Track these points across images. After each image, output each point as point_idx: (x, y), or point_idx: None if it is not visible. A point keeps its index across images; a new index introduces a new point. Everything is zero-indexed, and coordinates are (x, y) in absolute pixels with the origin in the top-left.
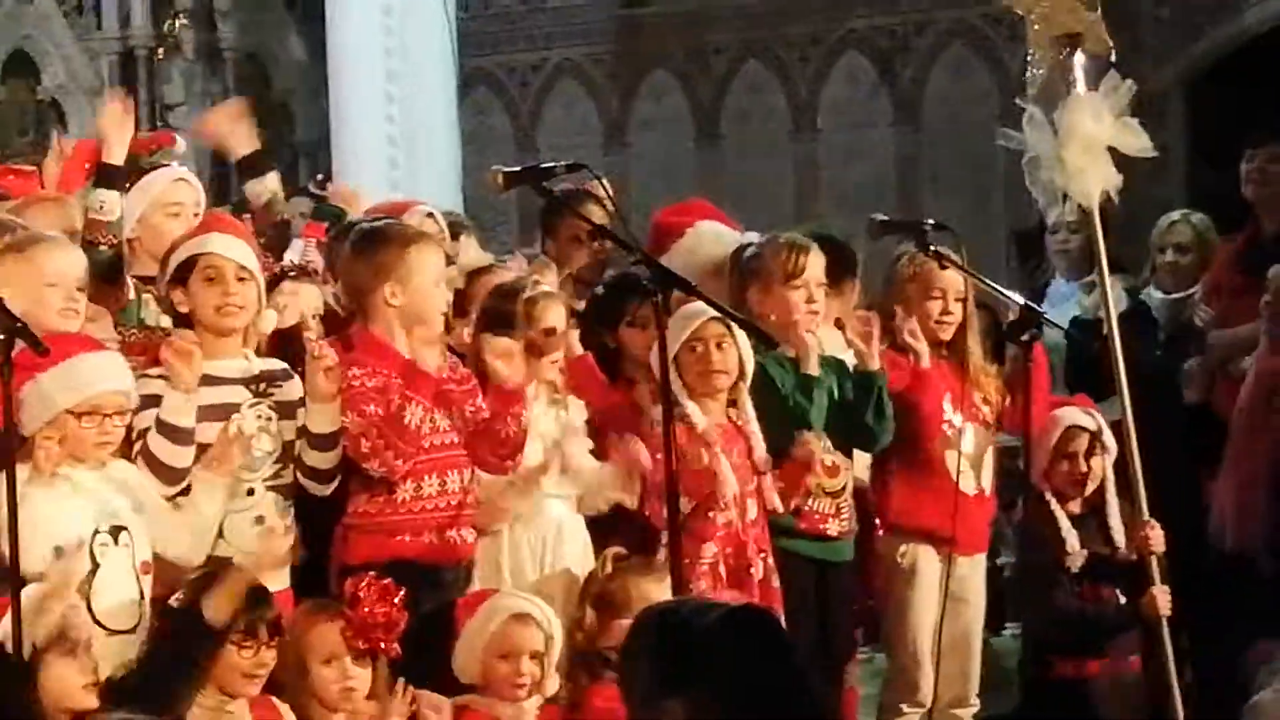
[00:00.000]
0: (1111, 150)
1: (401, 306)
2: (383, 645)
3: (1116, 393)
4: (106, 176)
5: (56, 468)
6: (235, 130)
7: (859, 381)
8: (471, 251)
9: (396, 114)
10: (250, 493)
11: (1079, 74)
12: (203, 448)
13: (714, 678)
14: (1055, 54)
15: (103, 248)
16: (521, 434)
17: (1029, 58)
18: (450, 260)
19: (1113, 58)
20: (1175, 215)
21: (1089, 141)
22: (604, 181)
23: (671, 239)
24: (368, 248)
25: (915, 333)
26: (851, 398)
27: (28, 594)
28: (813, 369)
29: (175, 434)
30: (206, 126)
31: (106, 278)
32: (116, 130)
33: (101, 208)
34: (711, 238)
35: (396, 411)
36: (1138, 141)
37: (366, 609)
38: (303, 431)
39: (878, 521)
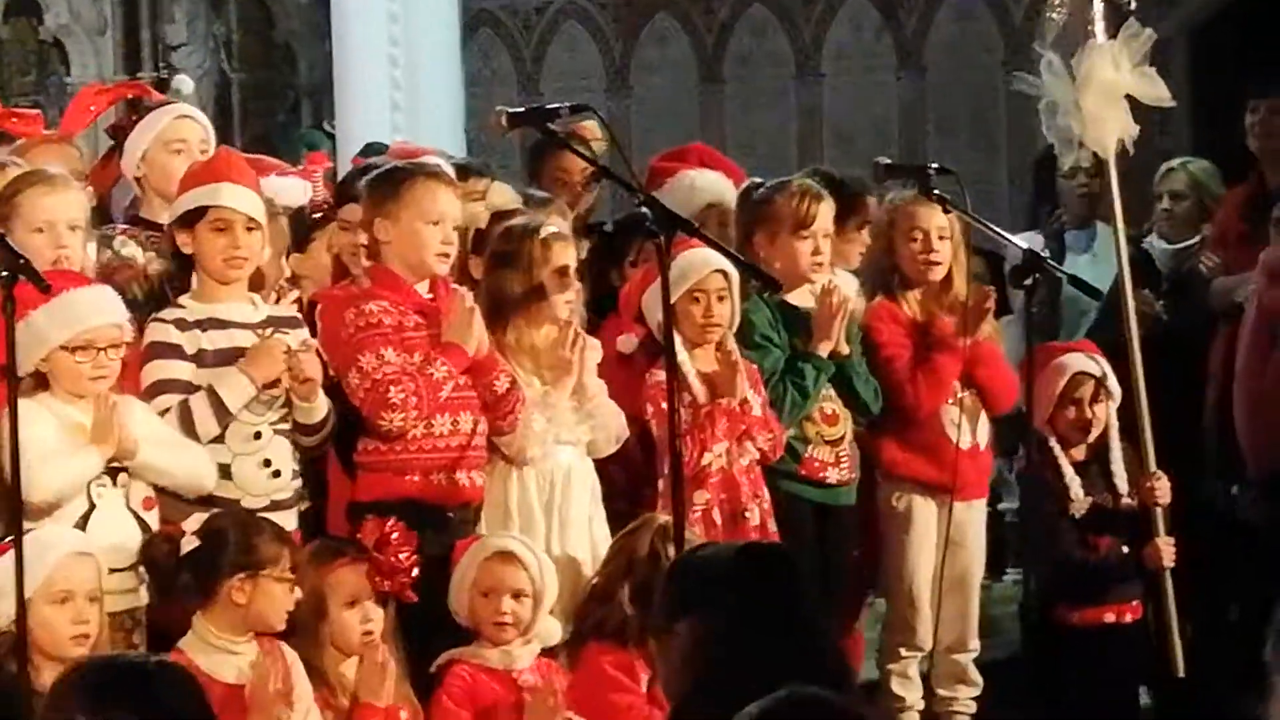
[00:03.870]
0: (1128, 98)
1: (391, 242)
2: (402, 589)
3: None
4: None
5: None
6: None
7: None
8: (505, 194)
9: (399, 56)
10: (257, 436)
11: (1098, 20)
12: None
13: (719, 601)
14: None
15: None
16: (510, 391)
17: (1047, 2)
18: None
19: (1132, 4)
20: (1174, 163)
21: (1107, 89)
22: (606, 123)
23: (655, 185)
24: (368, 185)
25: None
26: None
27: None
28: (821, 351)
29: (222, 414)
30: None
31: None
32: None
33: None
34: (686, 190)
35: (422, 364)
36: (1155, 90)
37: (393, 553)
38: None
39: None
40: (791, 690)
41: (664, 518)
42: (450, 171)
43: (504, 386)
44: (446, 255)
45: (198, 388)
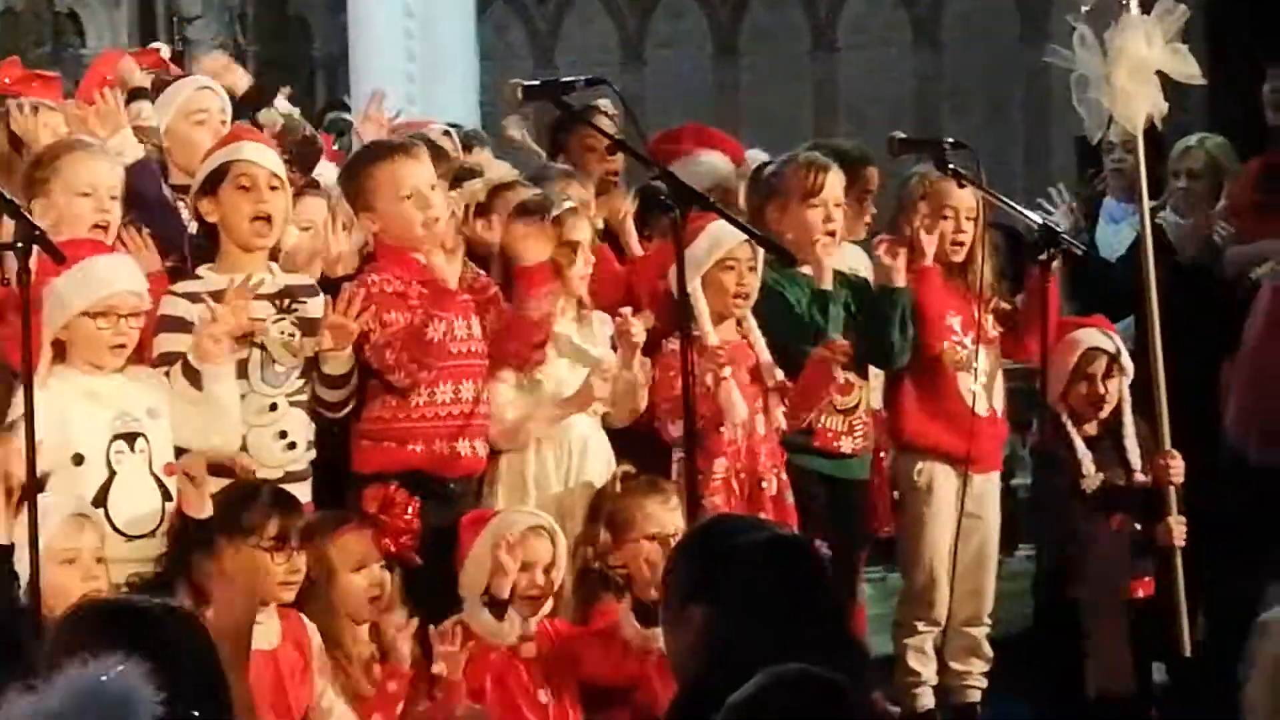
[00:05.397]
0: (1159, 74)
1: (379, 230)
2: (407, 549)
3: (1133, 316)
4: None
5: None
6: (229, 74)
7: (883, 298)
8: (500, 168)
9: (415, 29)
10: (273, 408)
11: None
12: None
13: (738, 592)
14: None
15: (150, 148)
16: (548, 317)
17: None
18: (472, 173)
19: None
20: (1192, 140)
21: (1138, 65)
22: (622, 97)
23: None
24: (342, 178)
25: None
26: (870, 314)
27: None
28: (826, 284)
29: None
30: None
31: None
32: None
33: (140, 115)
34: (695, 171)
35: (420, 325)
36: (1187, 67)
37: (397, 514)
38: (315, 367)
39: (881, 445)
40: (778, 670)
41: (626, 467)
42: (447, 143)
43: (540, 311)
44: (434, 220)
45: None
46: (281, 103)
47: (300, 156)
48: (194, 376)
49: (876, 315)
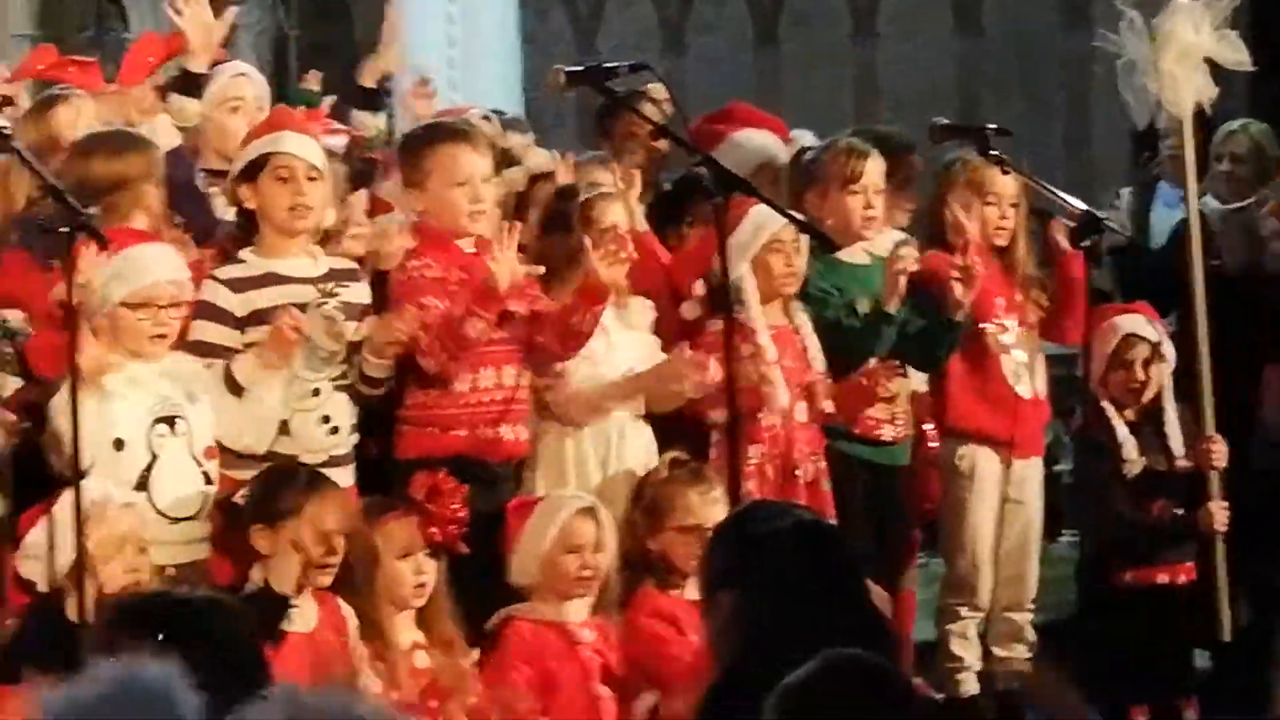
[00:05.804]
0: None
1: (425, 211)
2: (454, 539)
3: (1178, 304)
4: (188, 83)
5: (112, 362)
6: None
7: (938, 326)
8: (541, 157)
9: (456, 13)
10: (316, 393)
11: None
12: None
13: (766, 576)
14: None
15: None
16: (590, 333)
17: None
18: (511, 159)
19: None
20: (1235, 125)
21: (1186, 50)
22: (666, 82)
23: (707, 147)
24: (400, 149)
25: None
26: (923, 335)
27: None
28: (893, 308)
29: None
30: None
31: None
32: (201, 34)
33: (183, 112)
34: (744, 148)
35: (460, 317)
36: (1235, 54)
37: (445, 503)
38: (356, 356)
39: (927, 429)
40: (830, 655)
41: (676, 453)
42: (487, 127)
43: (588, 325)
44: (480, 213)
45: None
46: (372, 118)
47: (358, 172)
48: (235, 387)
49: (929, 338)
